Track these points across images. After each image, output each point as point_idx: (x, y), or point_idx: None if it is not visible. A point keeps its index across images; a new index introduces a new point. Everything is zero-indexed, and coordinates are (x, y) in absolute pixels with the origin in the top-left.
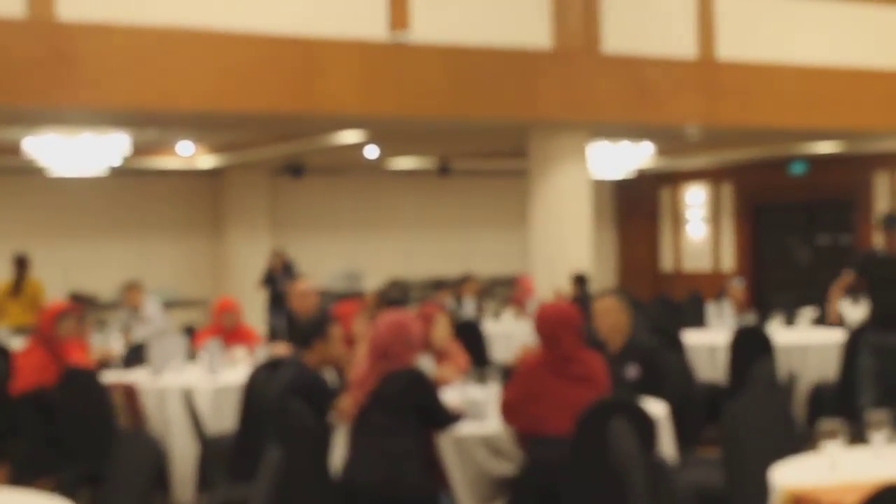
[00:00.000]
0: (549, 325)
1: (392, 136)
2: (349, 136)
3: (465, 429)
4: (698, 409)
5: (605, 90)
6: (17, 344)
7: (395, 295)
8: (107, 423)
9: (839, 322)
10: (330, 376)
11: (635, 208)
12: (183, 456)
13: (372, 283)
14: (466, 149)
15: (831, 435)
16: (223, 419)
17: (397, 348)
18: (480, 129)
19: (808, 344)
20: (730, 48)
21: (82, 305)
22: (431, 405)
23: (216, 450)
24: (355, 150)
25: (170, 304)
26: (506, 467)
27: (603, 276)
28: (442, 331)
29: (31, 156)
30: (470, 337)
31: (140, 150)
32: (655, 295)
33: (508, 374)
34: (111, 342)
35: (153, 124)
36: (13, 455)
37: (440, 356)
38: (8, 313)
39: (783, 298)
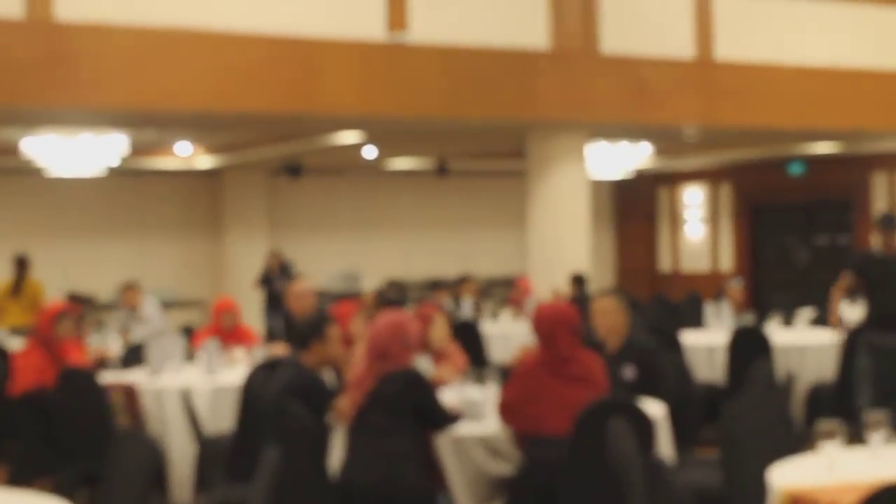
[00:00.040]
0: (547, 325)
1: (390, 137)
2: (347, 137)
3: (463, 429)
4: (696, 409)
5: (604, 91)
6: (15, 345)
7: (393, 295)
8: (104, 424)
9: (841, 326)
10: (328, 377)
11: (633, 209)
12: (181, 456)
13: (370, 283)
14: (465, 149)
15: (829, 435)
16: (221, 419)
17: (395, 349)
18: (479, 129)
19: (807, 344)
20: (728, 48)
21: (81, 306)
22: (429, 406)
23: (214, 450)
24: (354, 150)
25: (168, 305)
26: (504, 468)
27: (601, 277)
28: (440, 331)
29: (29, 156)
30: (468, 337)
31: (138, 150)
32: (653, 295)
33: (506, 375)
34: (109, 343)
35: (151, 125)
36: (12, 456)
37: (438, 356)
38: (8, 314)
39: (781, 299)
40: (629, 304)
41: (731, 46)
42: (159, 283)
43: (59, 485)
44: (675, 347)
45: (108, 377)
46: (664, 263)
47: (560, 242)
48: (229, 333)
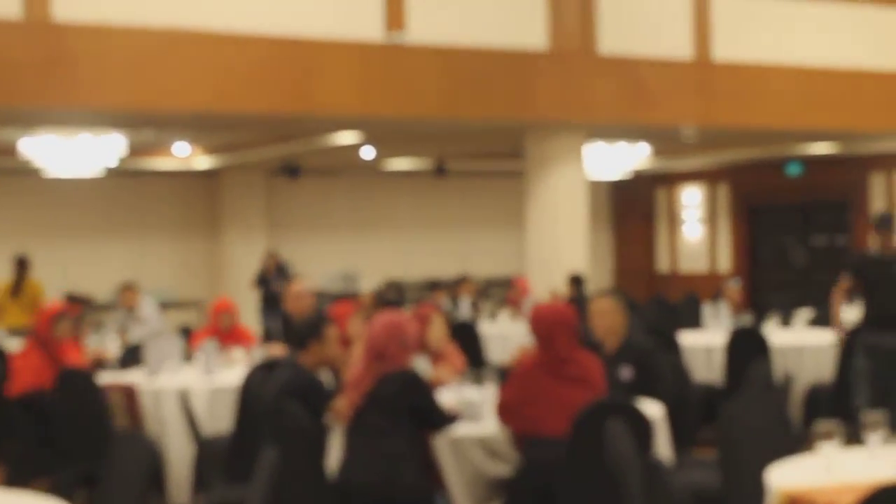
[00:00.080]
0: (545, 325)
1: (388, 137)
2: (346, 137)
3: (461, 430)
4: (694, 410)
5: (602, 91)
6: (14, 345)
7: (391, 296)
8: (102, 424)
9: (844, 330)
10: (326, 377)
11: (631, 209)
12: (179, 457)
13: (368, 283)
14: (463, 150)
15: (827, 436)
16: (219, 420)
17: (393, 349)
18: (477, 129)
19: (805, 345)
20: (725, 49)
21: (80, 306)
22: (427, 406)
23: (212, 451)
24: (352, 150)
25: (166, 305)
26: (502, 468)
27: (599, 277)
28: (438, 332)
29: (27, 156)
30: (466, 338)
31: (136, 150)
32: (652, 296)
33: (504, 376)
34: (107, 343)
35: (150, 125)
36: (10, 456)
37: (436, 357)
38: (8, 314)
39: (779, 299)
40: (627, 304)
41: (729, 47)
42: (157, 284)
43: (57, 485)
44: (674, 348)
45: (106, 378)
46: (662, 264)
47: (558, 243)
48: (227, 334)
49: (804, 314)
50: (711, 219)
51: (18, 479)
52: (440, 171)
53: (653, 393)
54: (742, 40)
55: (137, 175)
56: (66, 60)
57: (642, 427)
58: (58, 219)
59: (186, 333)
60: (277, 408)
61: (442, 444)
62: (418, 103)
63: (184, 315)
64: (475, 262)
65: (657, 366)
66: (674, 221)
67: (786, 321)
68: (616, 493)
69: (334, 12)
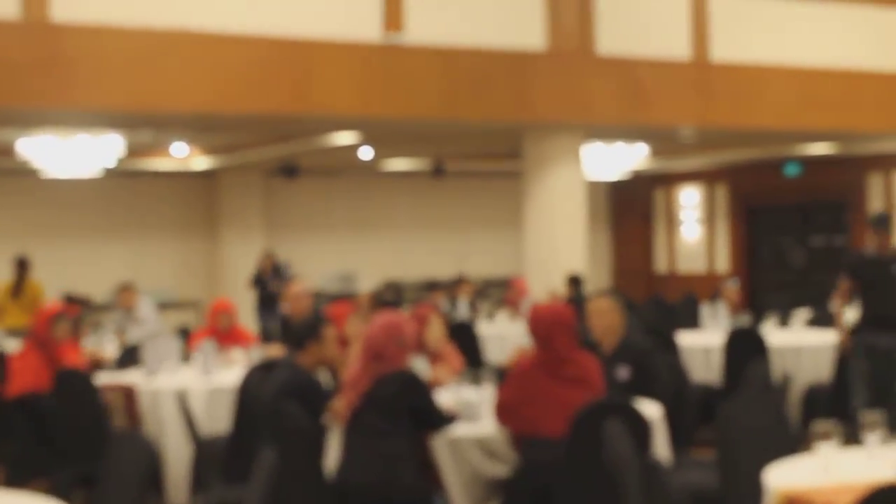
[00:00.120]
0: (544, 325)
1: (386, 138)
2: (343, 138)
3: (459, 430)
4: (692, 410)
5: (600, 92)
6: (14, 346)
7: (389, 296)
8: (100, 425)
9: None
10: (324, 378)
11: (629, 209)
12: (177, 457)
13: (366, 284)
14: (461, 150)
15: (825, 436)
16: (217, 420)
17: (391, 350)
18: (475, 130)
19: (803, 345)
20: (724, 50)
21: (78, 307)
22: (425, 407)
23: (210, 451)
24: (350, 151)
25: (164, 306)
26: (500, 469)
27: (597, 278)
28: (436, 332)
29: (25, 157)
30: (464, 338)
31: (134, 151)
32: (650, 296)
33: (503, 376)
34: (105, 344)
35: (147, 126)
36: (7, 457)
37: (434, 357)
38: (8, 315)
39: (778, 300)
40: (625, 304)
41: (727, 47)
42: (156, 284)
43: (55, 486)
44: (672, 348)
45: (104, 378)
46: (660, 264)
47: (556, 243)
48: (226, 334)
49: (802, 314)
50: (710, 219)
51: (16, 480)
52: (438, 171)
53: (650, 393)
54: (740, 41)
55: (135, 176)
56: (64, 61)
57: (641, 427)
58: (56, 219)
59: (185, 334)
60: (276, 408)
61: (440, 445)
62: (416, 104)
63: (182, 315)
64: (473, 262)
65: (654, 366)
66: (672, 222)
67: (784, 321)
68: (614, 494)
69: (332, 13)
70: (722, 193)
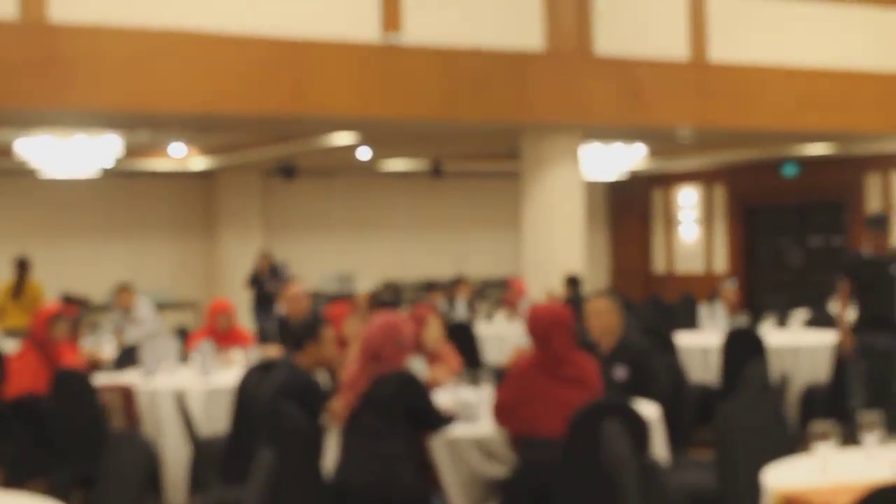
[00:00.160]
0: (542, 326)
1: (385, 138)
2: (342, 138)
3: (457, 431)
4: (690, 410)
5: (598, 92)
6: (14, 347)
7: (387, 297)
8: (98, 425)
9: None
10: (322, 378)
11: (628, 210)
12: (175, 458)
13: (364, 284)
14: (459, 150)
15: (823, 436)
16: (215, 421)
17: (389, 350)
18: (473, 130)
19: (800, 346)
20: (722, 50)
21: (77, 308)
22: (423, 408)
23: (208, 452)
24: (348, 151)
25: (163, 306)
26: (498, 469)
27: (595, 278)
28: (434, 332)
29: (23, 157)
30: (462, 339)
31: (132, 151)
32: (648, 296)
33: (501, 376)
34: (103, 344)
35: (146, 126)
36: (5, 458)
37: (432, 358)
38: (8, 315)
39: (776, 300)
40: (623, 305)
41: (725, 48)
42: (154, 285)
43: (53, 486)
44: (670, 348)
45: (102, 379)
46: (658, 264)
47: (554, 243)
48: (224, 335)
49: (800, 315)
50: (708, 219)
51: (15, 480)
52: (436, 171)
53: (648, 393)
54: (738, 41)
55: (133, 176)
56: (62, 61)
57: (639, 428)
58: (54, 220)
59: (183, 334)
60: (274, 409)
61: (438, 445)
62: (415, 104)
63: (180, 316)
64: (471, 262)
65: (652, 366)
66: (670, 222)
67: (782, 322)
68: (612, 494)
69: (330, 13)
70: (720, 194)
